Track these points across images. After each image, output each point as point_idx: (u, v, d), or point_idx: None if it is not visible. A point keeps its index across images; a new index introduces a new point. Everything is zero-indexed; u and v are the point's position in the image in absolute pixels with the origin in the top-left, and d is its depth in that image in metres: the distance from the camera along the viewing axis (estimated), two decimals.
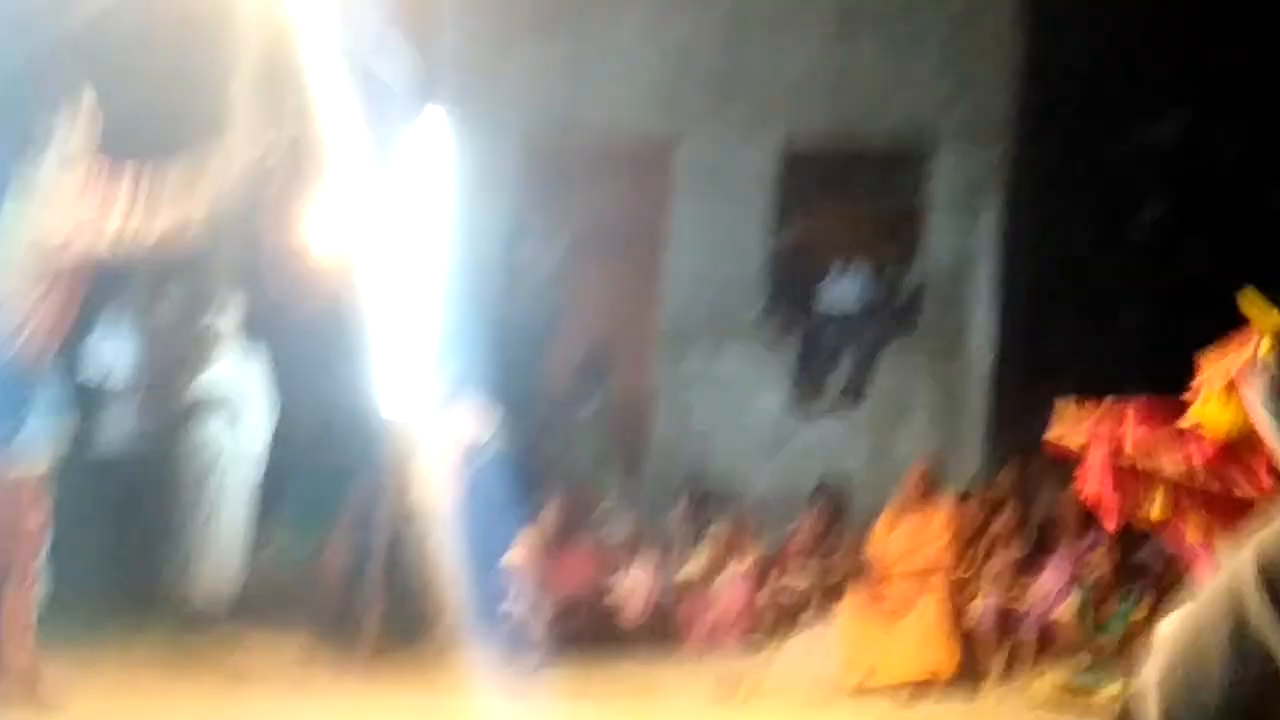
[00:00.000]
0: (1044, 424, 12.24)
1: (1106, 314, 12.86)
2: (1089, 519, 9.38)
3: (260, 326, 9.76)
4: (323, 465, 9.70)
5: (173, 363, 10.66)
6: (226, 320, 10.25)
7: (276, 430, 10.01)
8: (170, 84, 9.34)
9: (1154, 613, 8.95)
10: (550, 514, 10.19)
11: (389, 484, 9.08)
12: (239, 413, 10.22)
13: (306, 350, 10.09)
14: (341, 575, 9.52)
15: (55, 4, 8.04)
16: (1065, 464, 11.35)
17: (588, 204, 12.10)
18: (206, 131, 8.71)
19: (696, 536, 10.35)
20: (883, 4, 12.24)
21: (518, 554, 10.05)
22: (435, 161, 9.10)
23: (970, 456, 11.88)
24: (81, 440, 9.84)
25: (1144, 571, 9.72)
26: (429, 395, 9.49)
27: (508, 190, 12.57)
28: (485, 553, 9.69)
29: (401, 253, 8.84)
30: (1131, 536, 9.66)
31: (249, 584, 10.28)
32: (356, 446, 9.12)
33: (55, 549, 8.92)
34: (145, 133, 8.29)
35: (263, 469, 10.18)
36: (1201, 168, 12.90)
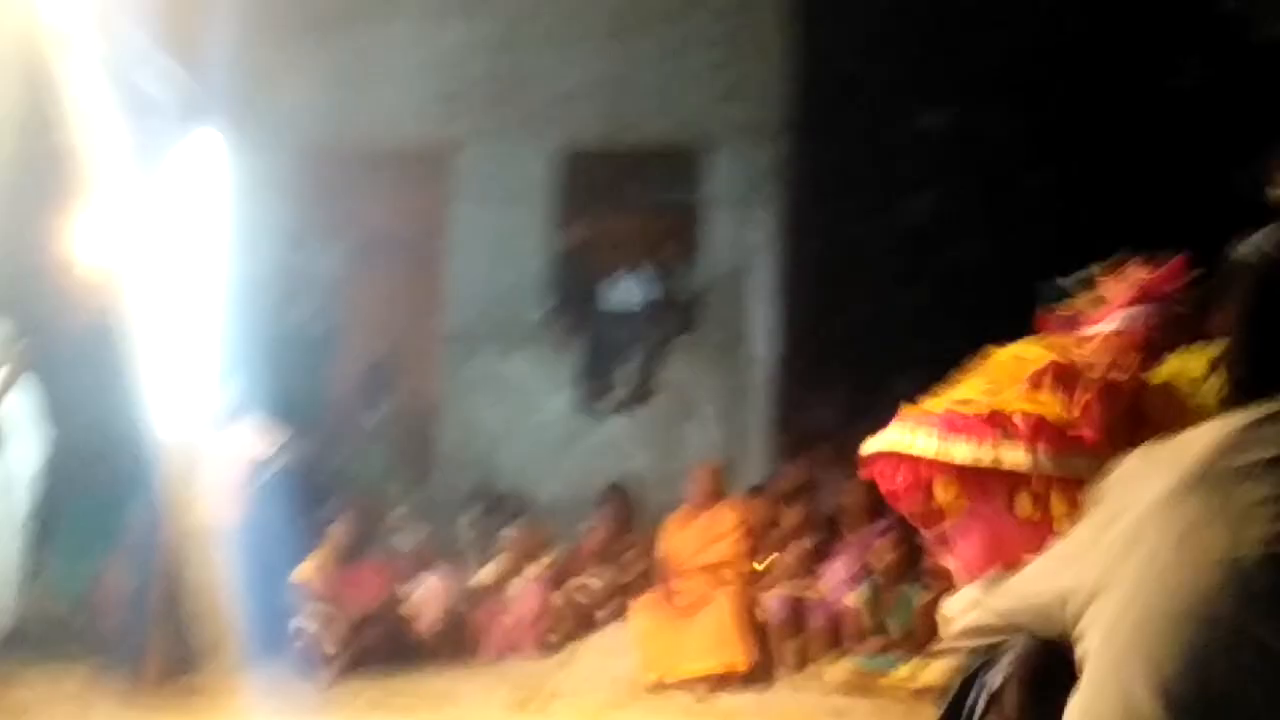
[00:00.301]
0: (828, 415, 12.39)
1: (885, 303, 13.10)
2: (875, 508, 9.58)
3: (25, 347, 9.44)
4: (98, 490, 9.42)
5: None
6: None
7: (47, 456, 9.67)
8: None
9: (938, 597, 8.77)
10: (339, 528, 10.08)
11: (168, 505, 8.85)
12: (4, 439, 9.71)
13: (77, 371, 9.78)
14: (121, 602, 9.27)
15: None
16: (849, 456, 11.60)
17: (366, 211, 11.98)
18: None
19: (489, 542, 10.32)
20: (656, 7, 12.33)
21: (307, 570, 9.97)
22: (207, 174, 8.93)
23: (758, 450, 11.95)
24: None
25: (928, 557, 9.33)
26: (208, 411, 9.30)
27: (284, 199, 12.34)
28: (273, 570, 9.57)
29: (175, 266, 8.66)
30: (913, 527, 10.15)
31: (24, 616, 9.83)
32: (133, 468, 8.86)
33: None
34: None
35: (34, 496, 9.78)
36: (972, 154, 13.18)
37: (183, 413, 8.64)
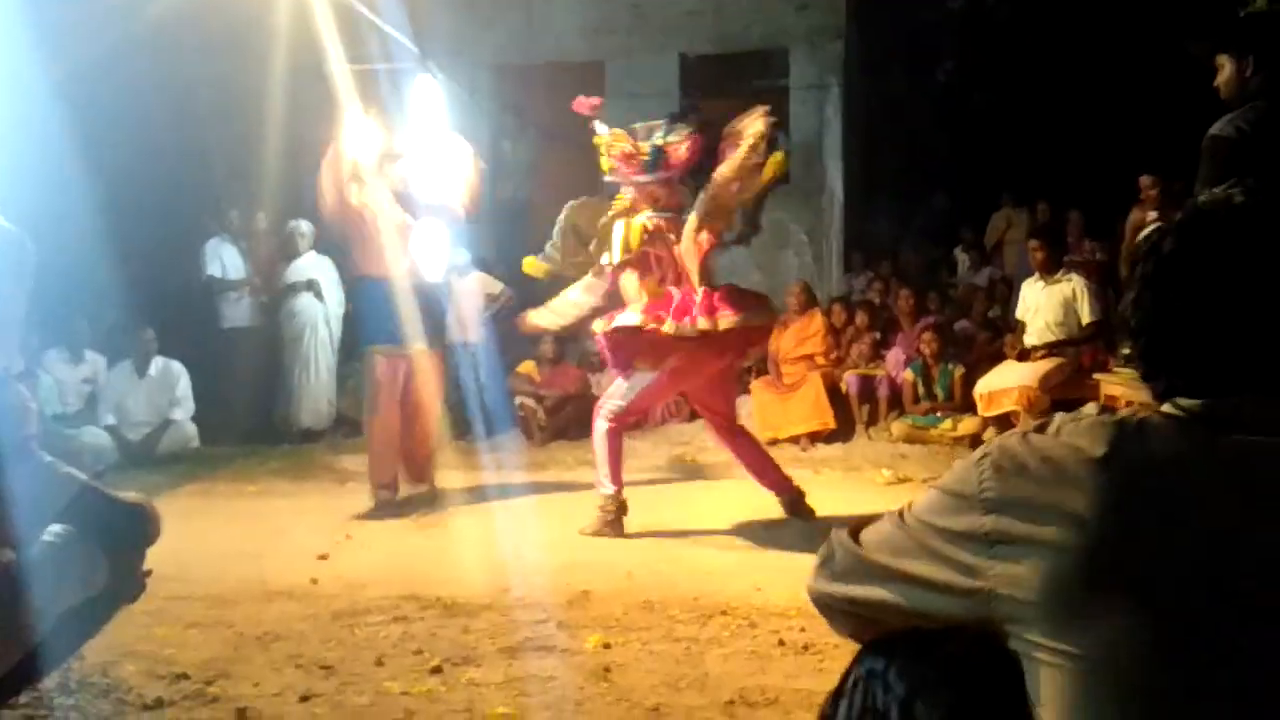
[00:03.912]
0: (884, 242, 13.10)
1: (920, 152, 13.99)
2: (919, 312, 10.57)
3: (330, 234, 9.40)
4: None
5: (271, 257, 11.23)
6: (304, 227, 10.95)
7: (345, 304, 10.59)
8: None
9: (969, 372, 9.75)
10: (546, 341, 10.84)
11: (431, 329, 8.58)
12: (321, 289, 10.96)
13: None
14: None
15: None
16: (903, 274, 12.46)
17: (545, 112, 12.17)
18: None
19: None
20: None
21: (525, 368, 10.94)
22: (431, 98, 8.64)
23: (835, 271, 12.71)
24: (216, 317, 10.96)
25: (959, 344, 10.54)
26: (452, 265, 9.43)
27: (486, 109, 12.93)
28: (502, 371, 10.64)
29: (417, 161, 8.38)
30: (948, 321, 10.61)
31: (342, 407, 10.98)
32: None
33: (206, 399, 10.02)
34: None
35: (343, 326, 10.87)
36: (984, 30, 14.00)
37: (435, 267, 8.48)
